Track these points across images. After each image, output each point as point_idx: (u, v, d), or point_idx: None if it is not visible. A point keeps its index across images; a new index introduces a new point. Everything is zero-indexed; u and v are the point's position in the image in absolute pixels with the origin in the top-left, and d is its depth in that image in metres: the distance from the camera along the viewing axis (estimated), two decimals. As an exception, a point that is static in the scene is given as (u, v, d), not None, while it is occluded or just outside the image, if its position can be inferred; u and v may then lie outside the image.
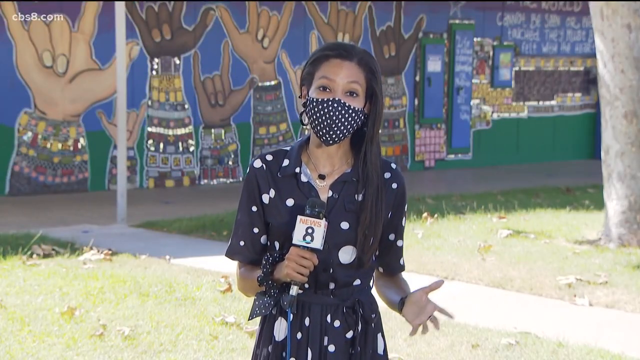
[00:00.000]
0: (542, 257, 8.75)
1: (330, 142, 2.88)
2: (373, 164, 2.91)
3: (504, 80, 17.32)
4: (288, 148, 2.98)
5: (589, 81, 18.52)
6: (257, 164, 2.95)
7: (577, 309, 7.28)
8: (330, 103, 2.85)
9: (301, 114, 2.96)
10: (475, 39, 16.85)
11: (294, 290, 2.82)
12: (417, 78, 16.23)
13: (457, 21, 16.59)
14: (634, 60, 9.51)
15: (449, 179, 15.70)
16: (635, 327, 6.84)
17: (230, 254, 3.01)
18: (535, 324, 6.75)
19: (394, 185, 2.97)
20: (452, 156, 16.85)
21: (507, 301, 7.51)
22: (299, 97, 2.99)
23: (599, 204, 11.22)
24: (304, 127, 2.98)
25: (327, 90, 2.87)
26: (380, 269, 3.05)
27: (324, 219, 2.79)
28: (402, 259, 3.06)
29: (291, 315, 2.87)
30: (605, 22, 9.56)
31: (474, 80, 16.94)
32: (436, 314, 2.85)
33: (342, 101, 2.86)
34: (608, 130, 9.66)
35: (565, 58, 18.23)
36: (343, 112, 2.85)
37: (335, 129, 2.86)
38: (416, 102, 16.28)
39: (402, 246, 3.04)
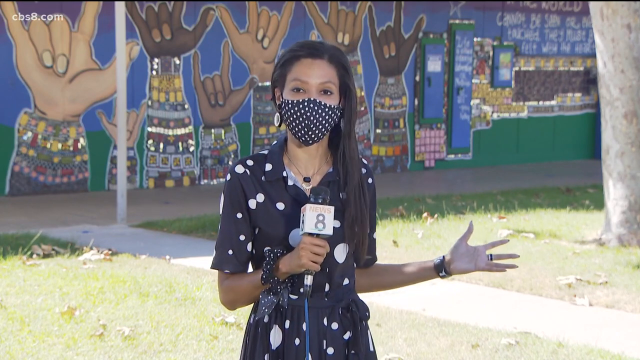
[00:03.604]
0: (542, 257, 8.75)
1: (310, 142, 2.88)
2: (352, 158, 2.91)
3: (504, 80, 17.32)
4: (266, 152, 2.96)
5: (589, 81, 18.52)
6: (239, 169, 2.91)
7: (577, 309, 7.28)
8: (306, 103, 2.85)
9: (275, 116, 2.94)
10: (475, 39, 16.84)
11: (309, 280, 2.81)
12: (417, 78, 16.23)
13: (457, 21, 16.59)
14: (634, 60, 9.51)
15: (449, 179, 15.70)
16: (635, 327, 6.84)
17: (219, 265, 2.93)
18: (535, 324, 6.75)
19: (370, 180, 3.01)
20: (452, 156, 16.85)
21: (507, 301, 7.51)
22: (271, 99, 2.98)
23: (599, 204, 11.23)
24: (279, 128, 2.97)
25: (301, 91, 2.86)
26: (355, 264, 3.04)
27: (332, 205, 2.79)
28: (376, 249, 3.13)
29: (292, 303, 2.86)
30: (605, 22, 9.56)
31: (474, 80, 16.94)
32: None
33: (318, 100, 2.85)
34: (608, 130, 9.66)
35: (565, 58, 18.22)
36: (320, 111, 2.85)
37: (314, 128, 2.85)
38: (416, 102, 16.28)
39: (375, 238, 3.10)
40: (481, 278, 8.05)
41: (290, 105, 2.86)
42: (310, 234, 2.77)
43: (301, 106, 2.85)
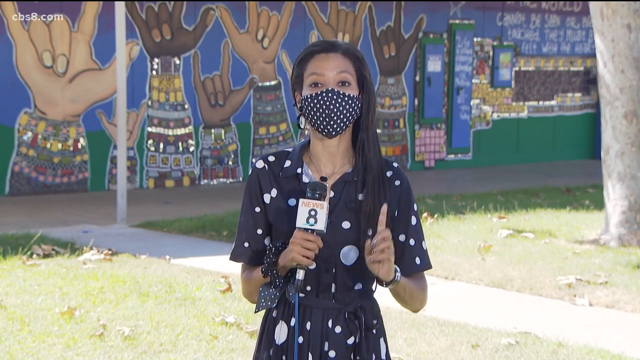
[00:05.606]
0: (542, 257, 8.75)
1: (333, 133, 2.85)
2: (371, 151, 2.87)
3: (504, 80, 17.32)
4: (290, 149, 2.97)
5: (589, 81, 18.52)
6: (260, 164, 2.94)
7: (577, 309, 7.28)
8: (325, 94, 2.84)
9: (298, 117, 2.93)
10: (475, 39, 16.85)
11: (301, 275, 2.79)
12: (417, 78, 16.23)
13: (457, 21, 16.59)
14: (634, 60, 9.51)
15: (449, 179, 15.70)
16: (635, 327, 6.84)
17: (235, 257, 2.97)
18: (535, 324, 6.75)
19: (397, 182, 2.93)
20: (452, 156, 16.85)
21: (507, 301, 7.50)
22: (294, 105, 2.97)
23: (599, 204, 11.23)
24: (302, 129, 2.96)
25: (319, 85, 2.86)
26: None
27: (326, 201, 2.77)
28: (418, 257, 2.93)
29: (298, 301, 2.84)
30: (605, 22, 9.56)
31: (474, 80, 16.95)
32: None
33: (336, 90, 2.84)
34: (608, 130, 9.66)
35: (565, 58, 18.23)
36: (340, 100, 2.84)
37: (335, 118, 2.84)
38: (416, 102, 16.28)
39: (417, 245, 2.93)
40: (481, 278, 8.05)
41: (309, 99, 2.86)
42: (305, 229, 2.76)
43: (320, 98, 2.84)
